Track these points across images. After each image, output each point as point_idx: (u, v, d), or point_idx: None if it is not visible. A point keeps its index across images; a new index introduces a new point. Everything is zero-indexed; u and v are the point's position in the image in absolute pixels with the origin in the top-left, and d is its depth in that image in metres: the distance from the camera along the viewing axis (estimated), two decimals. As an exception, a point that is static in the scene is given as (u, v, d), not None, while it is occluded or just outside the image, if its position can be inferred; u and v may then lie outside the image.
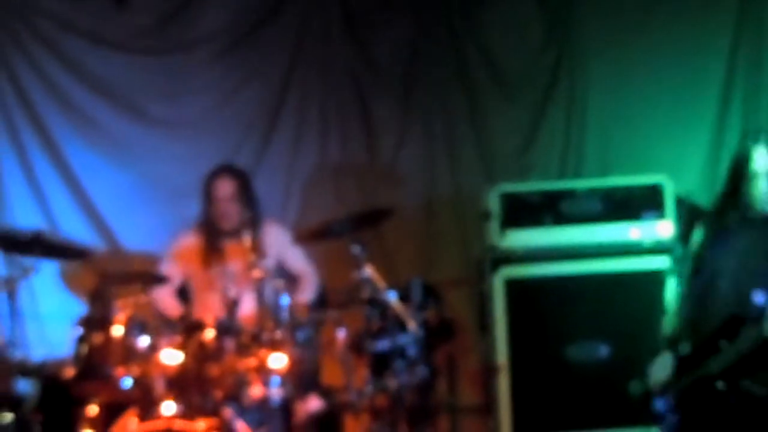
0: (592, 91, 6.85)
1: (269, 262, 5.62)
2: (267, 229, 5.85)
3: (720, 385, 4.34)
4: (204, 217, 5.86)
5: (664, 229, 6.17)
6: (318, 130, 6.79)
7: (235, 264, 5.66)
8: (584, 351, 6.11)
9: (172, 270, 5.85)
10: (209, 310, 5.50)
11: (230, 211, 5.77)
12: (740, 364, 4.32)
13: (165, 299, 5.80)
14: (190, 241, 5.87)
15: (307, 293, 5.85)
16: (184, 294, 5.91)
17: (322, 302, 5.88)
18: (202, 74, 6.72)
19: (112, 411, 5.00)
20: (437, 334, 5.87)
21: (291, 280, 5.75)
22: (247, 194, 5.84)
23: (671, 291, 4.70)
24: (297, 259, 5.94)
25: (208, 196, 5.82)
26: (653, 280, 5.80)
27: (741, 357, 4.31)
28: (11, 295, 5.36)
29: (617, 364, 6.03)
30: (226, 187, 5.79)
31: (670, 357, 4.53)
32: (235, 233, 5.64)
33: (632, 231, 6.19)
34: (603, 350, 6.11)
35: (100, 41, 6.63)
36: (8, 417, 4.96)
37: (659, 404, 4.56)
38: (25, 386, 5.35)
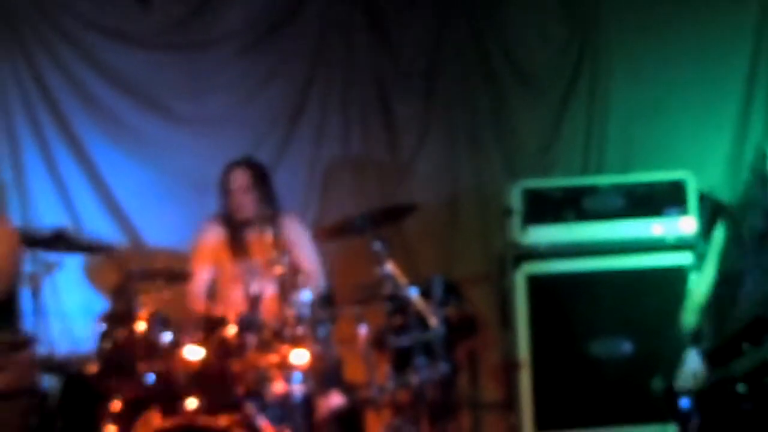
0: (615, 87, 6.83)
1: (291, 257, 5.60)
2: (286, 222, 5.85)
3: (741, 388, 4.31)
4: (222, 210, 5.87)
5: (686, 225, 6.15)
6: (340, 127, 6.79)
7: (257, 259, 5.67)
8: (606, 347, 6.10)
9: (204, 268, 5.85)
10: (232, 305, 5.51)
11: (245, 201, 5.78)
12: (763, 369, 4.28)
13: (195, 296, 5.80)
14: (213, 234, 5.88)
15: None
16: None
17: (328, 302, 5.84)
18: (225, 71, 6.72)
19: (135, 406, 5.01)
20: (459, 330, 5.87)
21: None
22: (262, 185, 5.84)
23: (694, 287, 4.67)
24: (307, 256, 5.90)
25: (224, 188, 5.83)
26: (676, 276, 5.81)
27: (765, 362, 4.28)
28: (35, 291, 5.40)
29: (640, 361, 6.02)
30: (240, 178, 5.80)
31: (698, 355, 4.48)
32: (256, 227, 5.66)
33: (655, 227, 6.17)
34: (625, 346, 6.10)
35: (123, 39, 6.66)
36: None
37: (684, 402, 4.52)
38: (49, 382, 5.39)
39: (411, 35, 6.85)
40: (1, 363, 3.70)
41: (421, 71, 6.87)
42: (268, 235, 5.36)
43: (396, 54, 6.88)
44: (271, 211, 5.80)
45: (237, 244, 5.81)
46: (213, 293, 5.88)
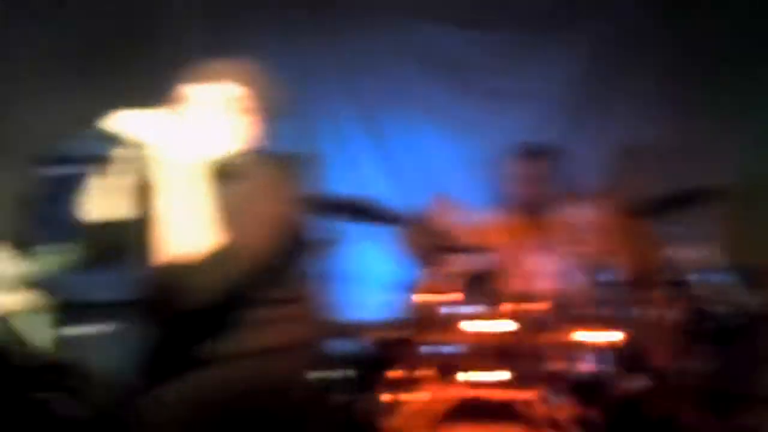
0: None
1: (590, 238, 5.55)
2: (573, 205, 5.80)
3: None
4: (513, 194, 5.86)
5: None
6: (636, 109, 6.71)
7: (557, 238, 5.66)
8: None
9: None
10: (536, 282, 5.52)
11: (542, 190, 5.74)
12: None
13: None
14: (503, 217, 5.88)
15: None
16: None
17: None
18: (522, 49, 6.76)
19: (438, 374, 5.08)
20: (763, 319, 5.70)
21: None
22: (554, 172, 5.80)
23: None
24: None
25: (519, 174, 5.79)
26: None
27: None
28: (331, 259, 5.52)
29: None
30: (538, 167, 5.76)
31: None
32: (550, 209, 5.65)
33: None
34: None
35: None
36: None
37: None
38: (345, 347, 5.53)
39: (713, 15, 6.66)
40: (273, 317, 3.66)
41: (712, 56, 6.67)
42: (570, 214, 5.33)
43: (687, 36, 6.71)
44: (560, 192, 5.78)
45: (531, 224, 5.79)
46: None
